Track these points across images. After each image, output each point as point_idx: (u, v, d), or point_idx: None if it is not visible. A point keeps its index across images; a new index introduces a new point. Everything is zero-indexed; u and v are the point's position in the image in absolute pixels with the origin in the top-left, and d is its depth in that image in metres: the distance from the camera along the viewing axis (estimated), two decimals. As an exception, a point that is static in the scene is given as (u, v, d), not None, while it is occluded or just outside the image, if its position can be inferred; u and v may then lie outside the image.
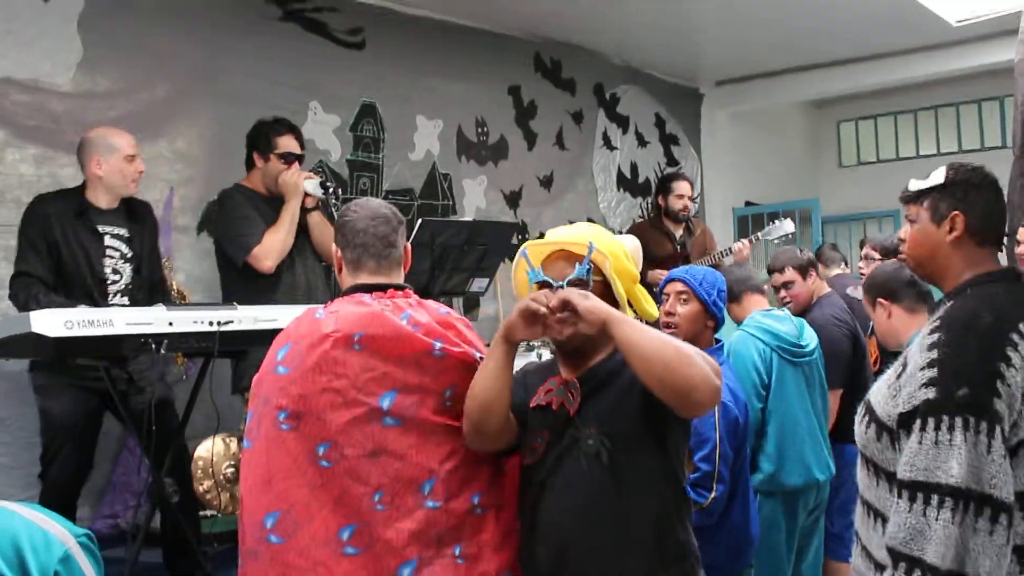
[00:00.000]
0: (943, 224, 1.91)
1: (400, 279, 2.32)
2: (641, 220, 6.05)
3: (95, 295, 3.61)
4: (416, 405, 2.12)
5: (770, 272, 4.34)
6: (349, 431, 2.07)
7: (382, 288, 2.24)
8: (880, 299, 3.13)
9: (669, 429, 2.06)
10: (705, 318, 3.10)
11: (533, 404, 2.17)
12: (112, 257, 3.70)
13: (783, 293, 4.24)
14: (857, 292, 4.94)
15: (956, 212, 1.90)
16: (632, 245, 2.30)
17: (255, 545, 2.07)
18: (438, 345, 2.16)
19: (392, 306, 2.20)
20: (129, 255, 3.74)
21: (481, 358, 2.20)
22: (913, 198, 1.97)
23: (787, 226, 5.81)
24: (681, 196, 5.83)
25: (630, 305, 2.23)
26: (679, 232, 5.87)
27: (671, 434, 2.07)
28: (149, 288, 3.84)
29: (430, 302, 2.32)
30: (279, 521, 2.05)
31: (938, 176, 1.94)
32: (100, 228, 3.68)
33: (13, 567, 1.33)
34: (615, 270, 2.17)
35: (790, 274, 4.20)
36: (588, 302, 1.97)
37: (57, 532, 1.42)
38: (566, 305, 1.99)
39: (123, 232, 3.75)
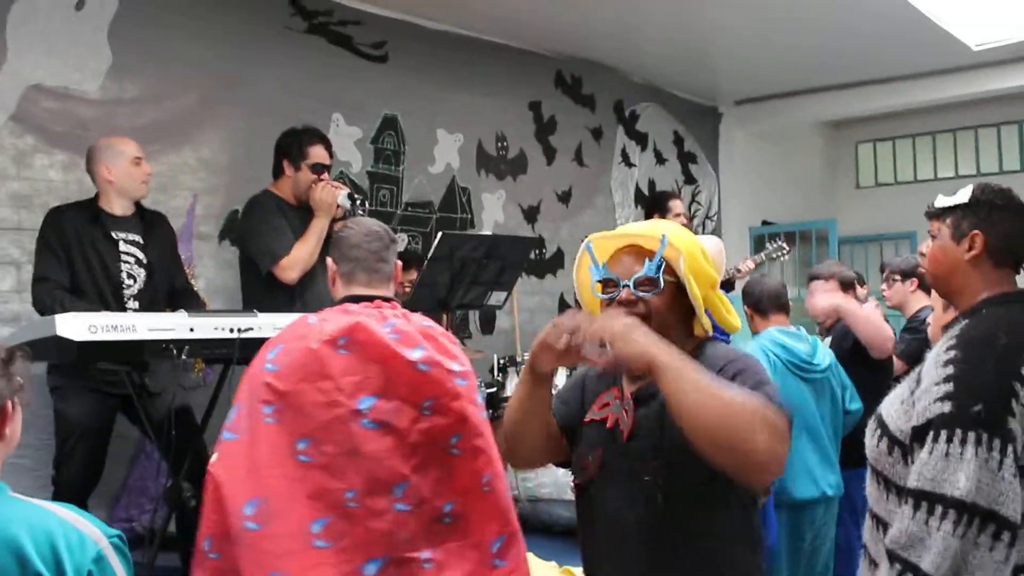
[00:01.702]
0: (963, 242, 1.92)
1: (390, 292, 2.43)
2: None
3: (110, 299, 3.67)
4: (394, 412, 2.20)
5: (812, 279, 4.29)
6: (329, 429, 2.16)
7: (370, 299, 2.35)
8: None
9: None
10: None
11: (588, 419, 2.00)
12: (127, 262, 3.76)
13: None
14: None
15: (977, 231, 1.91)
16: (714, 247, 2.01)
17: (234, 531, 2.12)
18: (419, 355, 2.24)
19: (378, 315, 2.30)
20: (144, 261, 3.80)
21: (459, 371, 2.28)
22: (937, 214, 1.98)
23: (783, 245, 6.07)
24: (678, 215, 5.87)
25: (707, 313, 1.95)
26: None
27: (739, 495, 1.87)
28: (173, 296, 3.89)
29: (414, 315, 2.41)
30: (257, 508, 2.11)
31: (964, 194, 1.95)
32: (114, 234, 3.75)
33: (49, 565, 1.37)
34: (690, 270, 1.88)
35: (833, 286, 4.18)
36: (628, 346, 1.69)
37: (91, 532, 1.46)
38: (608, 339, 1.71)
39: (137, 238, 3.81)
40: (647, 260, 1.90)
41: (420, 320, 2.38)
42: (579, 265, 2.05)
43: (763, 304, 3.75)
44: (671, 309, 1.91)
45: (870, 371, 3.86)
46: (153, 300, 3.81)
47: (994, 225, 1.90)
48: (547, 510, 4.47)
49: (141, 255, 3.80)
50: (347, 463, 2.15)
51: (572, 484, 2.05)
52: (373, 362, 2.21)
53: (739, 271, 5.72)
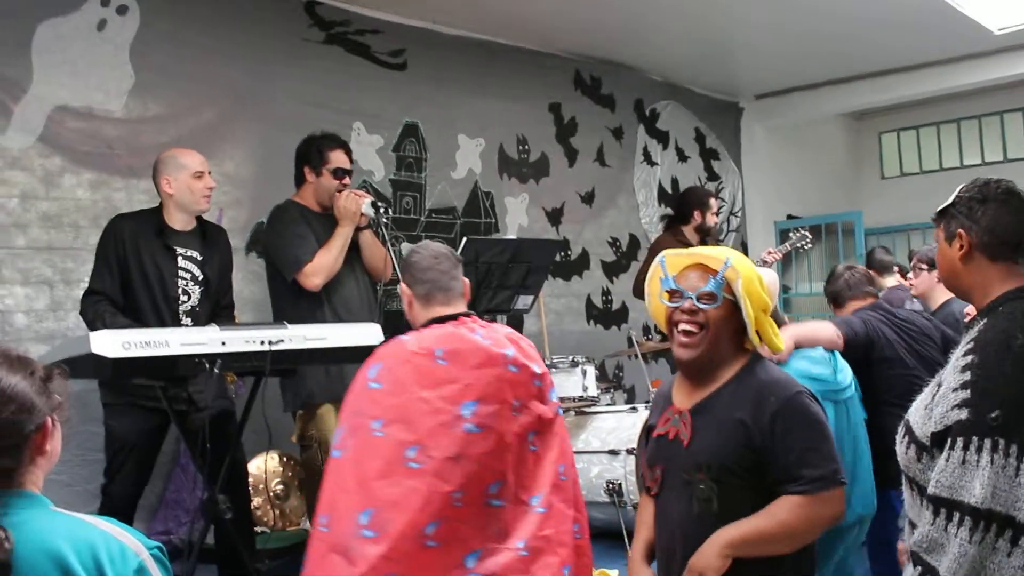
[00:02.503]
0: (954, 243, 1.94)
1: (465, 308, 2.58)
2: (663, 235, 6.02)
3: (164, 314, 3.68)
4: (494, 415, 2.36)
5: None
6: (436, 435, 2.30)
7: (453, 317, 2.51)
8: None
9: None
10: None
11: (656, 435, 2.30)
12: (183, 278, 3.75)
13: None
14: (915, 305, 4.84)
15: (961, 230, 1.92)
16: (770, 278, 2.33)
17: (348, 541, 2.25)
18: (510, 355, 2.43)
19: (467, 327, 2.49)
20: (200, 277, 3.79)
21: (539, 372, 2.48)
22: (936, 219, 2.01)
23: (804, 235, 6.00)
24: (716, 213, 5.86)
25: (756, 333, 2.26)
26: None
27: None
28: (213, 311, 3.88)
29: (496, 324, 2.59)
30: (373, 517, 2.24)
31: (952, 196, 1.97)
32: (175, 248, 3.75)
33: (92, 576, 1.39)
34: (746, 291, 2.18)
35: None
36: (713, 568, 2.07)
37: (132, 544, 1.48)
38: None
39: (196, 255, 3.80)
40: (711, 278, 2.20)
41: (503, 328, 2.57)
42: (652, 276, 2.33)
43: (840, 297, 3.86)
44: (726, 323, 2.20)
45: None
46: (208, 317, 3.79)
47: (976, 220, 1.91)
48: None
49: (198, 271, 3.79)
50: (453, 466, 2.29)
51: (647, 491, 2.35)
52: (471, 368, 2.37)
53: (765, 263, 5.68)
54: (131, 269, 3.64)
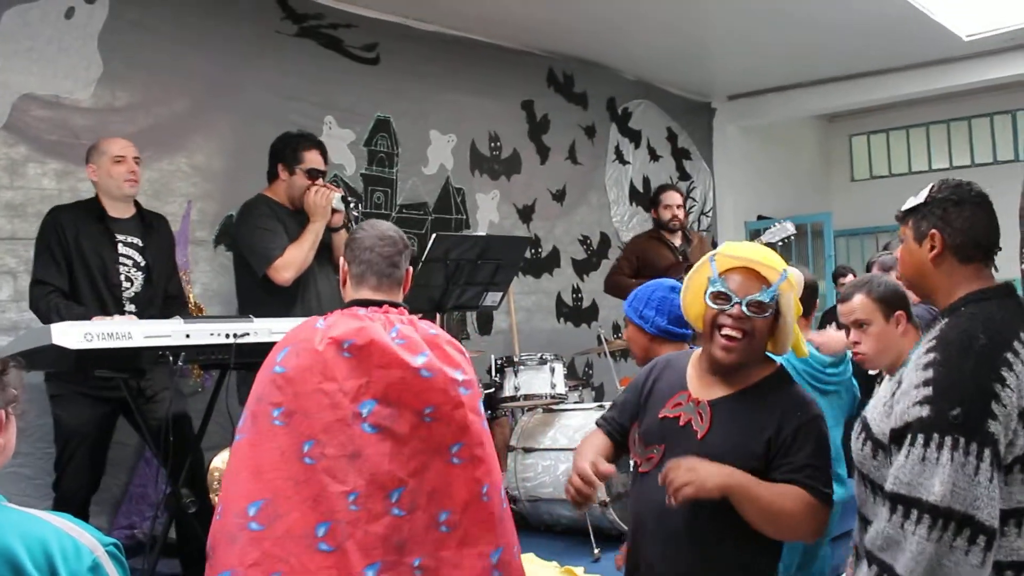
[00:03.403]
0: (924, 243, 1.93)
1: (399, 298, 2.44)
2: (639, 234, 6.08)
3: (108, 301, 3.66)
4: (393, 417, 2.23)
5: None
6: (332, 431, 2.19)
7: (378, 304, 2.36)
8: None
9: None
10: (642, 337, 3.04)
11: (662, 415, 2.24)
12: (125, 265, 3.75)
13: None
14: None
15: (934, 230, 1.91)
16: (800, 279, 2.27)
17: (236, 531, 2.14)
18: (422, 361, 2.26)
19: (384, 320, 2.32)
20: (142, 264, 3.79)
21: (462, 379, 2.32)
22: (902, 218, 2.00)
23: (788, 227, 5.81)
24: (669, 206, 5.84)
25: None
26: (677, 242, 5.91)
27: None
28: (164, 300, 3.88)
29: (422, 322, 2.41)
30: (261, 509, 2.13)
31: (922, 195, 1.96)
32: (115, 235, 3.74)
33: (44, 574, 1.37)
34: (791, 306, 2.17)
35: None
36: (706, 485, 2.00)
37: (86, 541, 1.46)
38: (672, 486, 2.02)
39: (136, 241, 3.80)
40: (763, 287, 2.14)
41: (427, 327, 2.39)
42: (697, 271, 2.26)
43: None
44: (768, 331, 2.19)
45: None
46: (150, 303, 3.80)
47: (951, 222, 1.90)
48: (548, 510, 4.47)
49: (139, 258, 3.79)
50: (348, 466, 2.17)
51: (633, 466, 2.30)
52: (376, 367, 2.23)
53: None
54: (73, 258, 3.63)
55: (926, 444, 1.69)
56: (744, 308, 2.12)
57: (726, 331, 2.14)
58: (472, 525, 2.28)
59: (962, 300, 1.88)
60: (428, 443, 2.26)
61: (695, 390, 2.24)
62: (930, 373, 1.75)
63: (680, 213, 5.82)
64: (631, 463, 2.32)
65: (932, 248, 1.91)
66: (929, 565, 1.65)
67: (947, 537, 1.64)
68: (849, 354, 3.57)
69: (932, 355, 1.78)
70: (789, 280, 2.13)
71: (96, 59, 4.48)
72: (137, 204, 3.88)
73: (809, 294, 3.65)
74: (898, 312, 2.62)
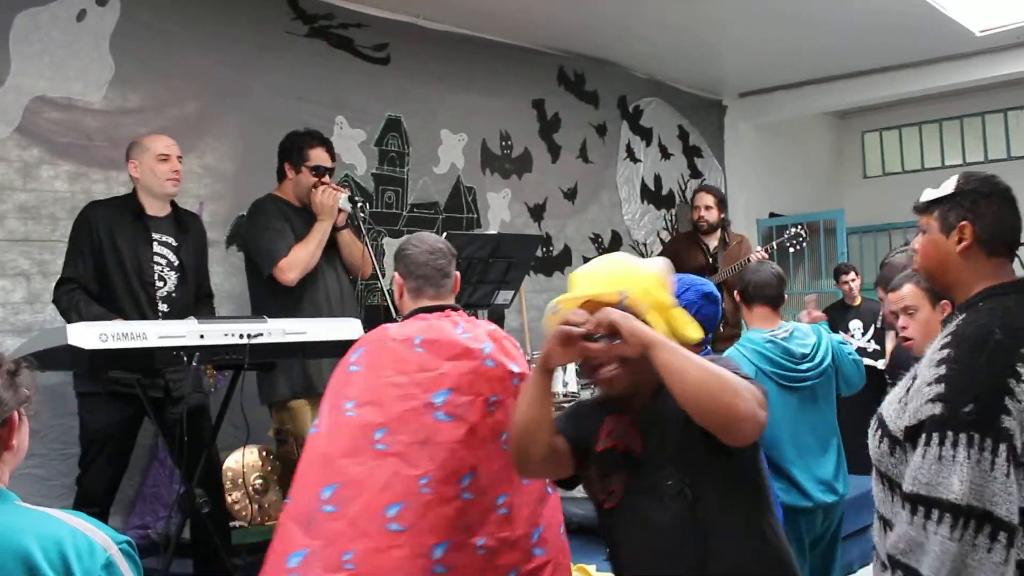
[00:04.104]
0: (952, 234, 1.89)
1: (452, 300, 2.64)
2: (678, 234, 6.15)
3: (142, 300, 3.66)
4: (466, 405, 2.39)
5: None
6: (404, 420, 2.35)
7: (440, 309, 2.58)
8: None
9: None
10: None
11: (600, 448, 2.14)
12: (159, 264, 3.74)
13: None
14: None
15: (965, 222, 1.88)
16: (659, 266, 2.20)
17: (310, 513, 2.30)
18: (487, 350, 2.45)
19: (449, 320, 2.54)
20: (176, 263, 3.79)
21: (517, 371, 2.45)
22: (924, 208, 1.96)
23: (800, 232, 5.89)
24: (698, 208, 5.86)
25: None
26: (713, 243, 5.90)
27: (744, 452, 1.99)
28: (194, 299, 3.87)
29: (480, 320, 2.64)
30: (335, 493, 2.30)
31: (948, 186, 1.92)
32: (151, 233, 3.74)
33: (59, 572, 1.38)
34: (652, 307, 2.05)
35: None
36: (630, 323, 1.90)
37: (100, 539, 1.47)
38: (607, 327, 1.90)
39: (171, 240, 3.79)
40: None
41: (486, 324, 2.61)
42: (549, 320, 2.10)
43: (748, 292, 3.59)
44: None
45: None
46: (183, 303, 3.78)
47: (981, 214, 1.88)
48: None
49: (173, 257, 3.78)
50: (420, 451, 2.33)
51: (598, 508, 2.17)
52: (447, 359, 2.41)
53: (750, 263, 5.69)
54: (106, 255, 3.62)
55: (941, 443, 1.67)
56: (605, 342, 1.96)
57: (601, 369, 2.05)
58: (522, 506, 2.45)
59: (980, 295, 1.86)
60: (493, 430, 2.41)
61: (613, 414, 2.15)
62: (943, 370, 1.73)
63: (708, 215, 5.84)
64: (595, 502, 2.19)
65: (960, 240, 1.88)
66: (954, 565, 1.63)
67: (968, 535, 1.62)
68: (824, 347, 3.56)
69: (946, 351, 1.76)
70: (632, 297, 1.99)
71: (108, 61, 4.50)
72: (173, 203, 3.87)
73: (778, 283, 3.65)
74: (944, 301, 2.67)
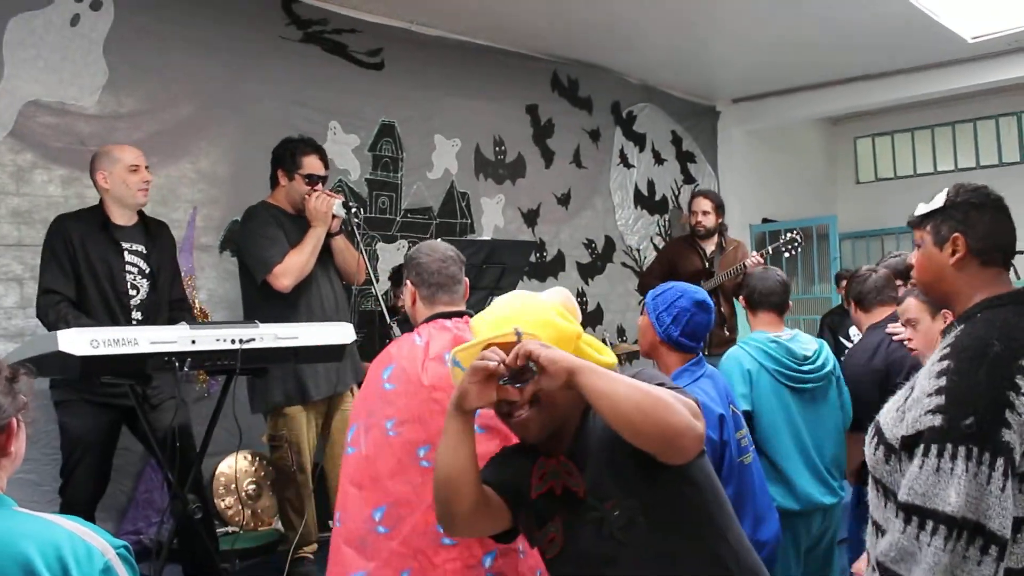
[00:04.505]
0: (945, 247, 1.90)
1: (464, 306, 2.68)
2: (676, 238, 6.17)
3: (116, 309, 3.67)
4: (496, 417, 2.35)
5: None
6: None
7: (458, 315, 2.61)
8: None
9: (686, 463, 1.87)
10: (652, 334, 3.01)
11: (535, 495, 2.00)
12: (131, 272, 3.76)
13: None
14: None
15: (957, 234, 1.88)
16: (562, 297, 2.20)
17: (364, 534, 2.36)
18: None
19: (468, 328, 2.49)
20: (147, 271, 3.80)
21: None
22: (918, 223, 1.96)
23: (795, 238, 5.87)
24: (695, 212, 5.88)
25: None
26: (710, 248, 5.91)
27: (690, 465, 1.88)
28: (167, 305, 3.88)
29: None
30: (386, 514, 2.35)
31: (940, 199, 1.93)
32: (121, 243, 3.75)
33: (56, 578, 1.38)
34: (555, 339, 1.94)
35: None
36: (549, 352, 1.80)
37: (98, 544, 1.47)
38: (524, 357, 1.81)
39: (141, 248, 3.81)
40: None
41: None
42: (452, 373, 2.07)
43: (753, 298, 3.61)
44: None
45: None
46: (156, 310, 3.81)
47: (973, 225, 1.88)
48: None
49: (144, 265, 3.80)
50: None
51: (544, 561, 2.05)
52: None
53: (745, 268, 5.68)
54: (81, 267, 3.64)
55: (940, 454, 1.67)
56: (516, 384, 1.88)
57: (513, 415, 1.96)
58: None
59: (977, 306, 1.86)
60: None
61: (544, 455, 2.03)
62: (943, 381, 1.73)
63: (706, 219, 5.84)
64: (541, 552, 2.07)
65: (954, 252, 1.89)
66: None
67: (960, 547, 1.62)
68: (825, 354, 3.59)
69: (945, 363, 1.76)
70: (527, 333, 1.89)
71: (101, 66, 4.50)
72: (140, 211, 3.88)
73: (783, 290, 3.68)
74: (944, 310, 2.71)
